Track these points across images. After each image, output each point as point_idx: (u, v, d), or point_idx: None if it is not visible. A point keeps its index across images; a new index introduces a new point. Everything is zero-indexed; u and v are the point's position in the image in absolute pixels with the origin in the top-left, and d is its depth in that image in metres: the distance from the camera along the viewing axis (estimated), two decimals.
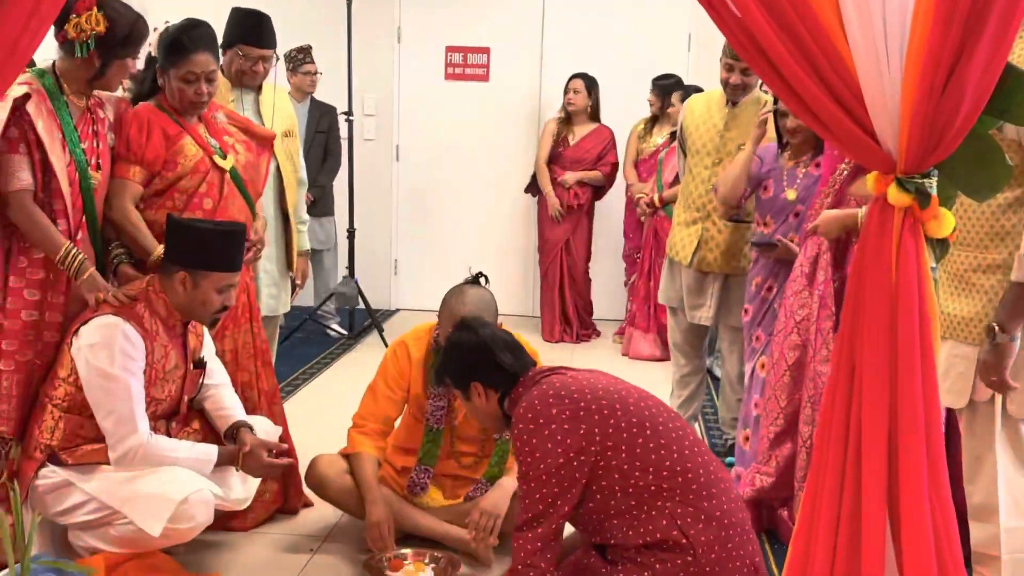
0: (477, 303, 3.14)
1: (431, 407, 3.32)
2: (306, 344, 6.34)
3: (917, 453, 2.09)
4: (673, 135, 5.70)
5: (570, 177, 6.44)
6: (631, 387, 2.66)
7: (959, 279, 2.54)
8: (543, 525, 2.47)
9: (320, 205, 6.30)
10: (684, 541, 2.44)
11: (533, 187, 6.69)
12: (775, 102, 3.69)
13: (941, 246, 2.15)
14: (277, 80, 4.08)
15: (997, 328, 2.38)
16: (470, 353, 2.71)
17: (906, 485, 2.10)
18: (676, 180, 5.69)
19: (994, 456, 2.50)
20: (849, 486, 2.16)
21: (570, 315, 6.65)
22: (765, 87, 4.03)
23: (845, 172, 3.31)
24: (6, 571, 2.36)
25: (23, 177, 2.84)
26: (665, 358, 5.43)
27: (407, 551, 3.21)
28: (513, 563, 2.51)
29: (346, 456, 3.35)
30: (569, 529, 2.62)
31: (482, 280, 3.26)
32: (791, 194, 3.67)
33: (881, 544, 2.12)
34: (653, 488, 2.48)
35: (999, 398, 2.48)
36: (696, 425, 4.75)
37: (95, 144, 3.01)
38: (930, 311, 2.11)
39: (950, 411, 2.70)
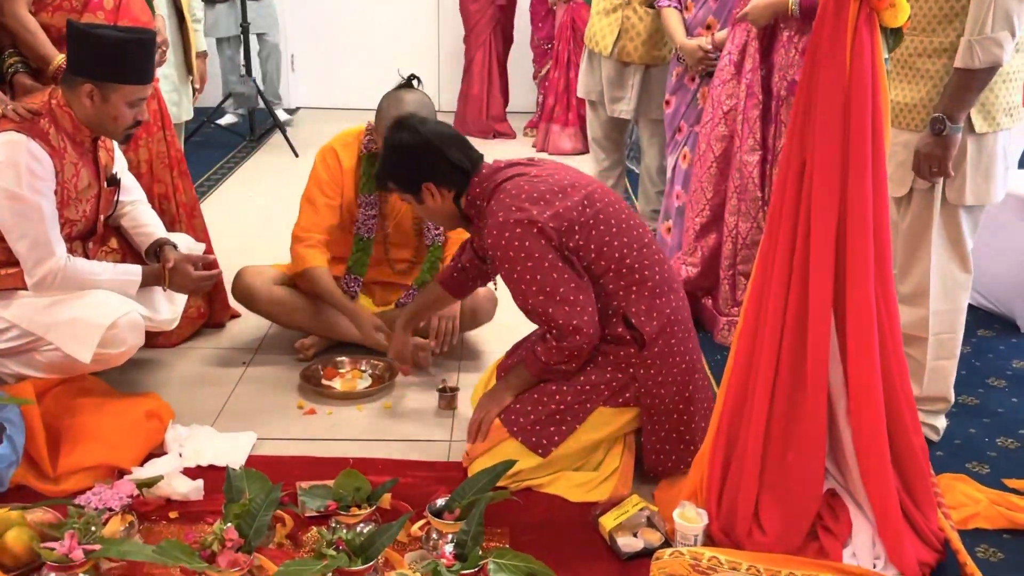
0: (418, 108, 2.98)
1: (362, 216, 3.22)
2: (208, 147, 6.07)
3: (864, 244, 2.13)
4: None
5: None
6: (593, 180, 2.57)
7: (904, 65, 2.51)
8: (583, 308, 2.41)
9: None
10: (629, 337, 2.48)
11: None
12: None
13: (895, 36, 2.11)
14: None
15: (946, 119, 2.39)
16: (416, 153, 2.51)
17: (852, 276, 2.14)
18: None
19: (930, 243, 2.55)
20: (797, 278, 2.19)
21: (490, 107, 6.48)
22: None
23: None
24: None
25: None
26: (586, 151, 5.37)
27: (343, 359, 3.20)
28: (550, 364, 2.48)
29: (297, 273, 3.20)
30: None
31: (415, 83, 3.08)
32: None
33: (826, 333, 2.18)
34: (611, 287, 2.47)
35: (939, 186, 2.51)
36: None
37: None
38: (883, 104, 2.09)
39: None
